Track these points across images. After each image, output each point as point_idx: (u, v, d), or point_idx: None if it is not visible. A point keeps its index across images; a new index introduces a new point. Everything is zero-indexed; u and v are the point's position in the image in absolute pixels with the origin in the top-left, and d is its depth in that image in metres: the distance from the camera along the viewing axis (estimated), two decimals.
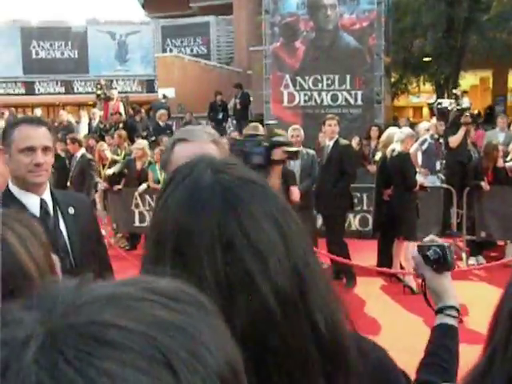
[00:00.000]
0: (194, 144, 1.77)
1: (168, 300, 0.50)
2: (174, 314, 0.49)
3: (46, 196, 2.37)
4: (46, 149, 2.29)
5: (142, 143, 9.83)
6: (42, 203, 2.33)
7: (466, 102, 8.78)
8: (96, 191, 9.55)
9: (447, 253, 1.59)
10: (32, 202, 2.31)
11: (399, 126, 10.16)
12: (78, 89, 26.27)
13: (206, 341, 0.48)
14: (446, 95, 19.90)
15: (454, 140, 8.42)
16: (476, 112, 15.66)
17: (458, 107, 8.56)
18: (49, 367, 0.42)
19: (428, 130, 9.54)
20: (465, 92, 11.25)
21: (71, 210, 2.39)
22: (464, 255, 7.80)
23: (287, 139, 6.60)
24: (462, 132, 8.43)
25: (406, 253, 6.74)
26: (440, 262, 1.58)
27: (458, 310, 1.57)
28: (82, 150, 9.66)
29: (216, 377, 0.47)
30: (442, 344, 1.51)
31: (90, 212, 2.60)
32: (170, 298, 0.51)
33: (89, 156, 9.52)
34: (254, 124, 7.15)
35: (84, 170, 9.28)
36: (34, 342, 0.43)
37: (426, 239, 1.66)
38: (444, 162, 8.98)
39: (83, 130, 16.10)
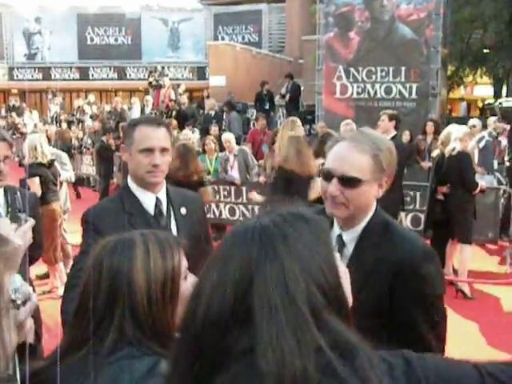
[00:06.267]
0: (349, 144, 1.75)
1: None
2: None
3: (162, 195, 2.39)
4: (163, 150, 2.31)
5: (189, 133, 9.84)
6: (157, 202, 2.36)
7: None
8: None
9: None
10: (148, 200, 2.35)
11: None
12: (130, 75, 26.64)
13: None
14: (505, 88, 19.22)
15: None
16: None
17: None
18: None
19: (475, 126, 9.14)
20: None
21: (183, 210, 2.41)
22: None
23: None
24: None
25: (460, 256, 6.53)
26: None
27: None
28: None
29: None
30: None
31: (201, 211, 2.60)
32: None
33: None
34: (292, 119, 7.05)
35: None
36: None
37: None
38: (508, 163, 8.47)
39: (135, 117, 16.29)
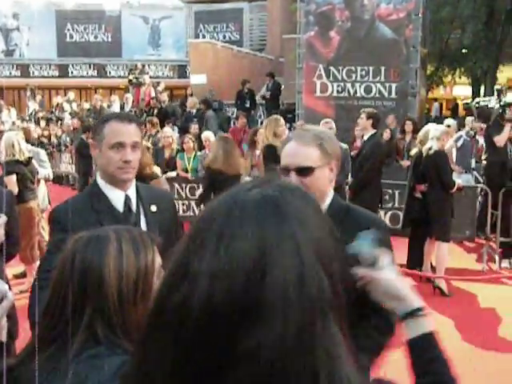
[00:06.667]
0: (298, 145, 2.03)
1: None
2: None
3: (131, 192, 2.37)
4: (135, 145, 2.30)
5: (169, 132, 9.77)
6: (127, 200, 2.35)
7: (510, 97, 8.36)
8: None
9: (360, 243, 1.36)
10: (117, 197, 2.33)
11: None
12: (110, 72, 26.39)
13: None
14: (482, 88, 19.43)
15: (502, 139, 7.84)
16: None
17: (502, 103, 8.15)
18: None
19: (449, 126, 9.21)
20: (509, 88, 10.83)
21: (153, 208, 2.39)
22: (497, 257, 7.61)
23: None
24: (508, 129, 7.82)
25: (438, 254, 6.59)
26: (356, 256, 1.36)
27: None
28: None
29: None
30: (432, 358, 1.39)
31: (171, 209, 2.59)
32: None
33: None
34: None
35: None
36: None
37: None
38: (485, 161, 8.47)
39: None
